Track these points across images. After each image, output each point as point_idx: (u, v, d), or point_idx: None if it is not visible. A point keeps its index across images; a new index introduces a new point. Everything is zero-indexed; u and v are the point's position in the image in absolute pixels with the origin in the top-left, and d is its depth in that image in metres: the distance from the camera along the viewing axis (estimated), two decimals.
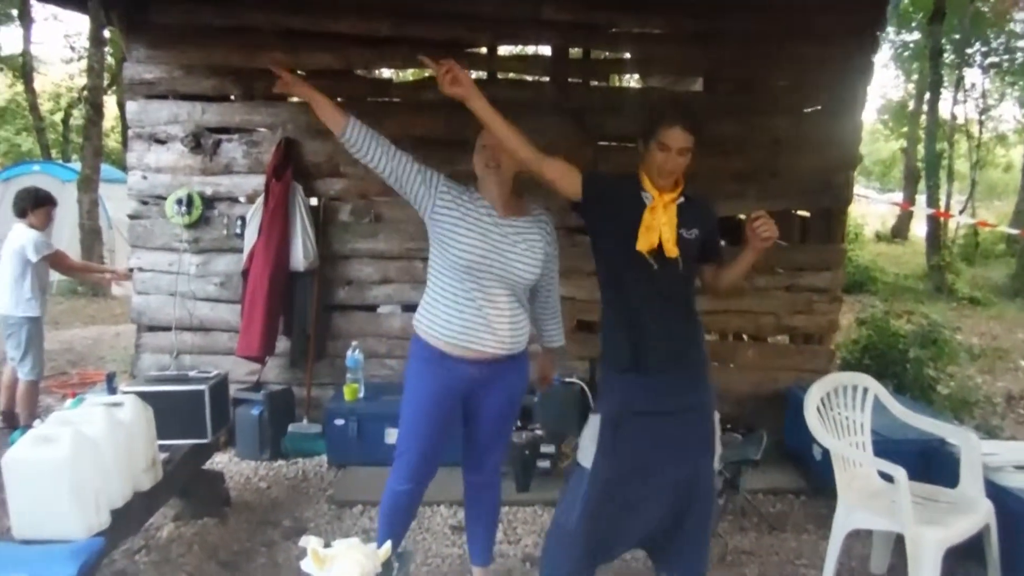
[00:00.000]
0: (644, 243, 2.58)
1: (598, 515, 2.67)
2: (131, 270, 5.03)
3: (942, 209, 14.23)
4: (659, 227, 2.57)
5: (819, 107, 5.14)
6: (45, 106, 17.80)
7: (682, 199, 2.64)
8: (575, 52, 5.20)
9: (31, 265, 4.88)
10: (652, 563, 3.04)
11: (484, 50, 5.05)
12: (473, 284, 2.67)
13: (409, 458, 2.86)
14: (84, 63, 13.83)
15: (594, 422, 2.72)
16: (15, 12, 15.05)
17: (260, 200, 4.74)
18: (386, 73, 5.73)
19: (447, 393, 2.78)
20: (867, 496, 3.16)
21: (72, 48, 17.26)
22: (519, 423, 4.22)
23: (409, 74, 9.17)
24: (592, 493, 2.64)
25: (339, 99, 4.99)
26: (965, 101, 16.50)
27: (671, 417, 2.64)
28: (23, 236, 4.92)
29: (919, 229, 17.73)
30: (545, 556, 2.84)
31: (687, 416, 2.68)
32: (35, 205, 4.97)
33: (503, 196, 2.76)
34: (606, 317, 2.79)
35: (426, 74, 7.12)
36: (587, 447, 2.70)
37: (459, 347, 2.69)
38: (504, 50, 5.29)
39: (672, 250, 2.57)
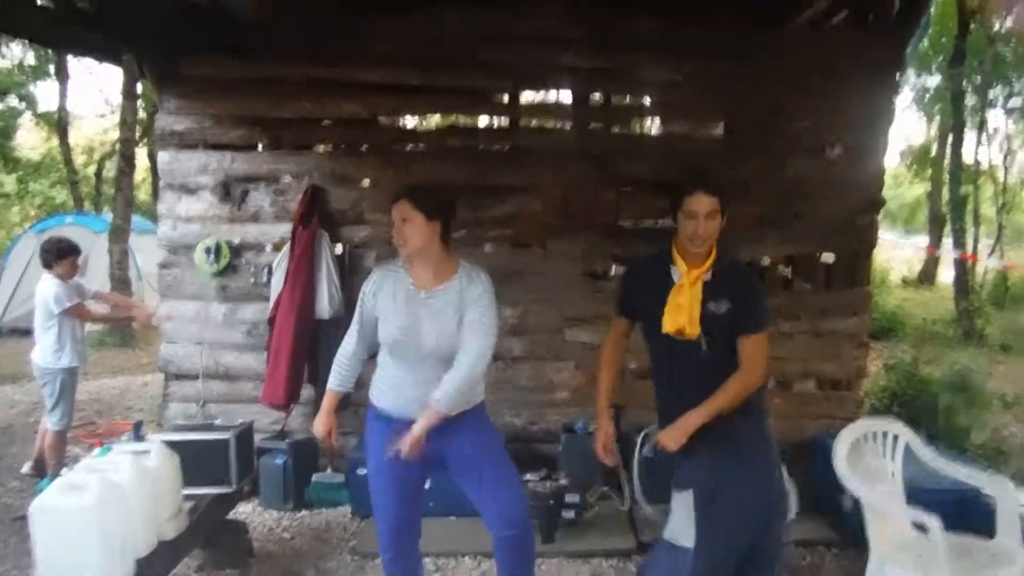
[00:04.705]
0: (670, 324, 2.58)
1: None
2: (155, 314, 5.08)
3: (969, 253, 14.07)
4: (686, 306, 2.56)
5: (841, 150, 5.13)
6: (79, 159, 18.15)
7: (710, 274, 2.61)
8: (596, 99, 5.27)
9: (55, 316, 4.90)
10: None
11: (506, 98, 5.12)
12: (400, 357, 2.79)
13: (381, 525, 2.93)
14: (117, 116, 14.16)
15: (682, 499, 2.71)
16: (52, 68, 15.47)
17: (287, 248, 4.79)
18: (410, 120, 5.83)
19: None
20: (900, 548, 3.08)
21: (106, 102, 17.74)
22: (545, 471, 4.19)
23: (433, 121, 9.31)
24: (701, 568, 2.62)
25: (364, 147, 5.09)
26: (989, 144, 16.41)
27: (742, 486, 2.63)
28: (47, 287, 4.95)
29: (946, 275, 17.48)
30: None
31: (757, 482, 2.66)
32: (59, 256, 4.99)
33: (424, 268, 2.81)
34: (655, 390, 2.82)
35: (451, 120, 7.19)
36: (682, 528, 2.68)
37: (396, 412, 2.79)
38: (526, 98, 5.36)
39: (692, 332, 2.56)
